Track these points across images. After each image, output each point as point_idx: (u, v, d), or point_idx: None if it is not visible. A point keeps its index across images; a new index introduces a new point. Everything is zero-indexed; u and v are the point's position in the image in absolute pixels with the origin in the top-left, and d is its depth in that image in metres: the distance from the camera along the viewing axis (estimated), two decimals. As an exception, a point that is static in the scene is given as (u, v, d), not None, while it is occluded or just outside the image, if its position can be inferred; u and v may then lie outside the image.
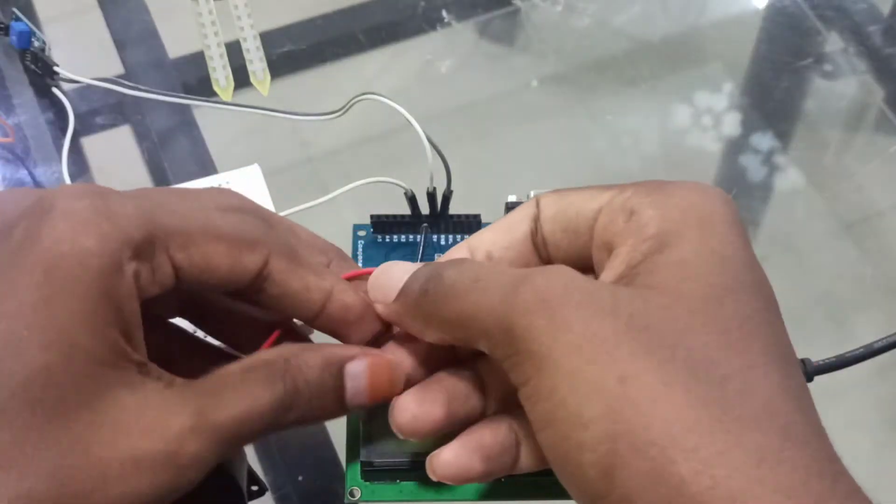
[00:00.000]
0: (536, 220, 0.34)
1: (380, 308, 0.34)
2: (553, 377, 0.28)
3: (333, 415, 0.33)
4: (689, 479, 0.25)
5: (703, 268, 0.29)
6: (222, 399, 0.30)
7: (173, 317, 0.36)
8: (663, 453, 0.26)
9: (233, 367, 0.31)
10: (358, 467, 0.37)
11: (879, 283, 0.61)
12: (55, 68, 0.62)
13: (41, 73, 0.63)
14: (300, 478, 0.54)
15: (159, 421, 0.28)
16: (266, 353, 0.32)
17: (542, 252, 0.35)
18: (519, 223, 0.34)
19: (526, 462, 0.33)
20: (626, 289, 0.29)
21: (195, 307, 0.36)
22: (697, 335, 0.28)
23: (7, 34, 0.63)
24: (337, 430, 0.54)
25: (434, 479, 0.33)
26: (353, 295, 0.34)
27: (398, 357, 0.34)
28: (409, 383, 0.34)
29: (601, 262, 0.33)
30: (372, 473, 0.37)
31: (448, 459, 0.33)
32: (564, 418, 0.28)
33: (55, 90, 0.63)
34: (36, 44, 0.63)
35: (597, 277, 0.33)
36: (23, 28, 0.62)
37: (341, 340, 0.35)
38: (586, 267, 0.34)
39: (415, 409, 0.33)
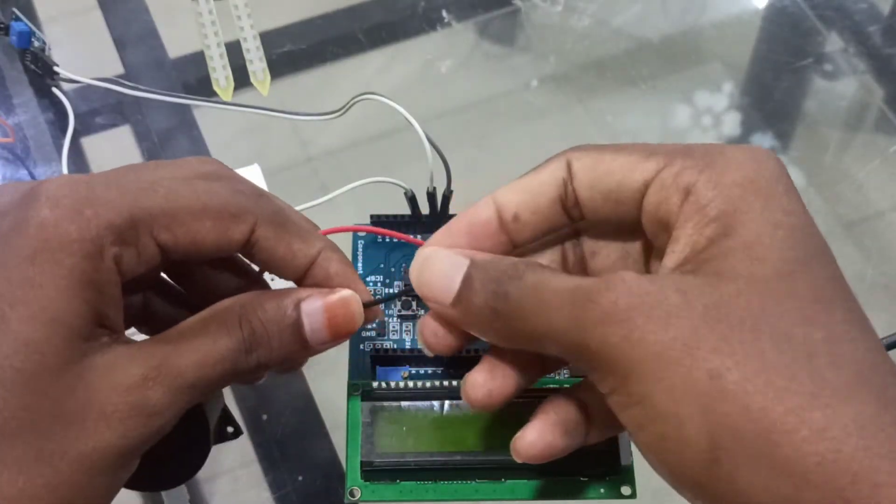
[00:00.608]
0: (568, 183, 0.32)
1: (434, 307, 0.33)
2: (640, 385, 0.28)
3: (298, 354, 0.33)
4: (797, 459, 0.26)
5: (770, 246, 0.29)
6: (181, 347, 0.31)
7: (155, 281, 0.37)
8: (766, 439, 0.26)
9: (192, 318, 0.32)
10: (358, 467, 0.37)
11: (879, 283, 0.61)
12: (55, 68, 0.62)
13: (41, 73, 0.63)
14: (300, 478, 0.54)
15: (123, 375, 0.30)
16: (223, 302, 0.32)
17: (573, 213, 0.33)
18: (547, 185, 0.33)
19: (594, 435, 0.33)
20: (696, 279, 0.29)
21: (176, 269, 0.36)
22: (775, 317, 0.28)
23: (7, 34, 0.63)
24: (337, 430, 0.54)
25: (519, 461, 0.33)
26: (338, 261, 0.34)
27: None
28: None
29: (657, 236, 0.32)
30: (372, 473, 0.37)
31: (533, 440, 0.33)
32: (660, 420, 0.28)
33: (55, 90, 0.63)
34: (36, 44, 0.63)
35: (651, 248, 0.33)
36: (23, 28, 0.62)
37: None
38: (629, 228, 0.33)
39: (489, 383, 0.33)
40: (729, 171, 0.30)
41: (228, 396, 0.51)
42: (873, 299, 0.60)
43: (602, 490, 0.37)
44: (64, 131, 0.61)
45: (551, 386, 0.38)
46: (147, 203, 0.30)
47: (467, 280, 0.31)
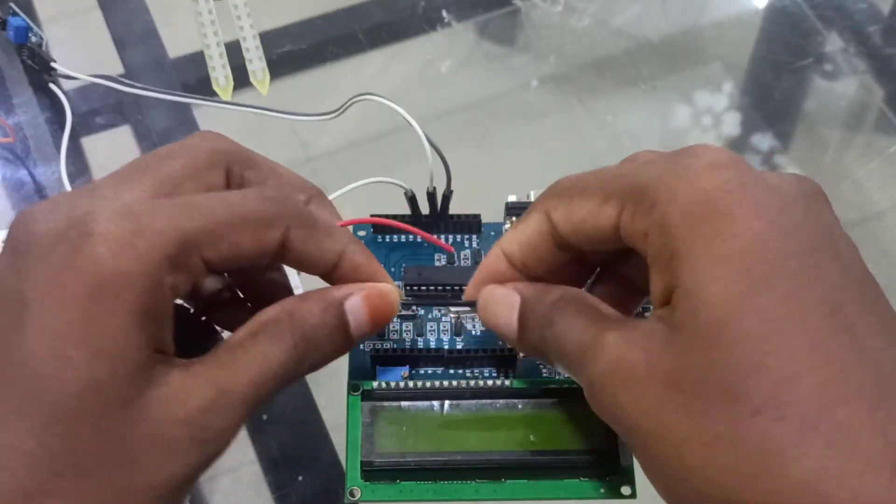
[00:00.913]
0: (555, 233, 0.34)
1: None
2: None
3: (344, 350, 0.35)
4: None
5: (711, 288, 0.28)
6: (236, 368, 0.31)
7: None
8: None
9: (240, 334, 0.32)
10: (358, 467, 0.37)
11: (879, 283, 0.61)
12: (52, 64, 0.62)
13: (38, 68, 0.63)
14: (300, 478, 0.54)
15: (184, 406, 0.30)
16: (268, 312, 0.33)
17: (575, 250, 0.34)
18: (537, 236, 0.35)
19: None
20: (662, 334, 0.29)
21: None
22: (721, 373, 0.27)
23: (4, 28, 0.63)
24: (337, 430, 0.54)
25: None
26: (362, 253, 0.35)
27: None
28: None
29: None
30: (372, 473, 0.37)
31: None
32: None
33: (53, 86, 0.63)
34: (33, 39, 0.63)
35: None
36: (20, 23, 0.62)
37: None
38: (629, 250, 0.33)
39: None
40: (676, 204, 0.29)
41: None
42: None
43: (602, 490, 0.37)
44: (63, 131, 0.61)
45: (552, 387, 0.38)
46: (191, 225, 0.30)
47: (521, 320, 0.34)
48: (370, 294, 0.35)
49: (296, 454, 0.55)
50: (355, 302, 0.34)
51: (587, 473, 0.37)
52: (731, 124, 0.67)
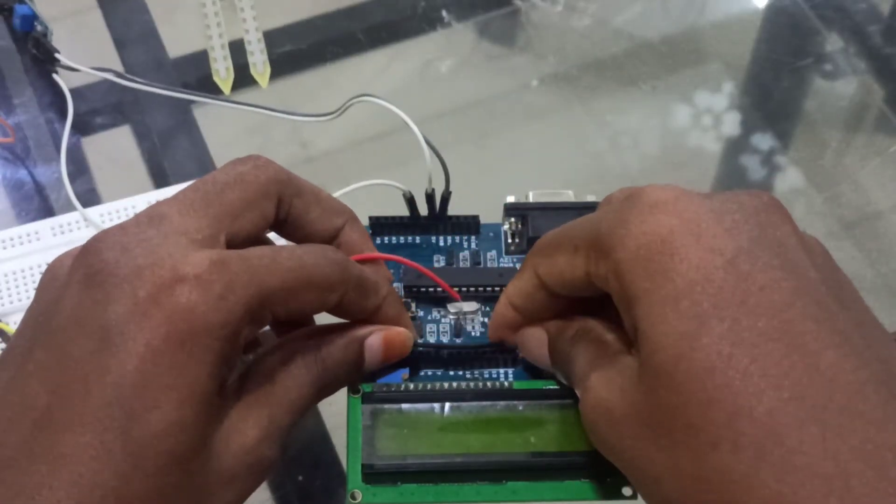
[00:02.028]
0: (545, 287, 0.36)
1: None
2: (632, 481, 0.32)
3: (352, 380, 0.38)
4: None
5: (660, 329, 0.29)
6: (279, 400, 0.34)
7: None
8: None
9: (276, 358, 0.35)
10: (359, 470, 0.37)
11: (879, 283, 0.61)
12: (56, 55, 0.62)
13: (42, 57, 0.63)
14: (300, 478, 0.54)
15: (242, 440, 0.32)
16: (297, 342, 0.36)
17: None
18: (533, 290, 0.37)
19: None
20: (635, 375, 0.30)
21: None
22: (673, 411, 0.28)
23: (11, 16, 0.63)
24: (337, 430, 0.54)
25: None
26: (394, 307, 0.38)
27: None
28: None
29: None
30: (373, 476, 0.37)
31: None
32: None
33: (55, 77, 0.63)
34: (38, 28, 0.63)
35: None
36: (26, 11, 0.63)
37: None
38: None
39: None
40: (623, 250, 0.30)
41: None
42: (874, 299, 0.59)
43: (603, 491, 0.37)
44: (64, 129, 0.61)
45: (551, 388, 0.38)
46: (272, 283, 0.32)
47: (550, 354, 0.37)
48: (388, 335, 0.38)
49: (296, 454, 0.55)
50: (374, 341, 0.37)
51: (588, 474, 0.37)
52: (731, 124, 0.67)
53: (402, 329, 0.38)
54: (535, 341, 0.38)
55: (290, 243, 0.38)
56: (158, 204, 0.33)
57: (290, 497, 0.54)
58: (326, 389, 0.36)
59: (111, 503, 0.28)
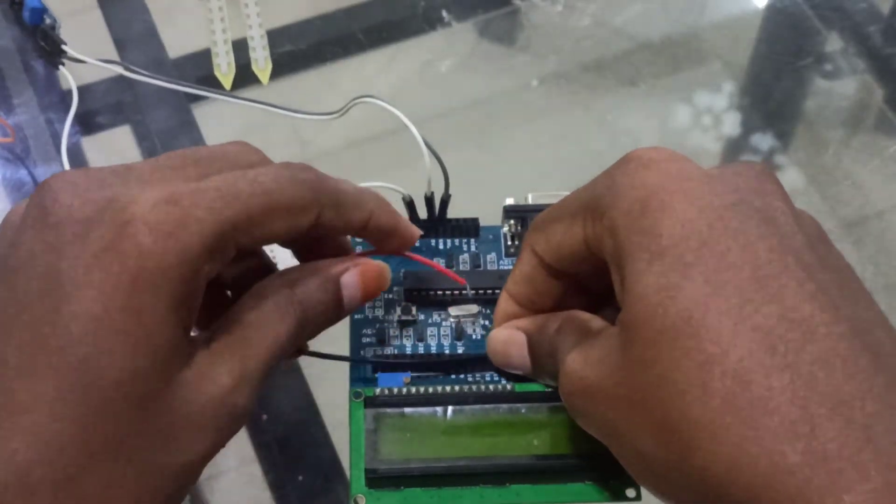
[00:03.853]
0: (543, 264, 0.36)
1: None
2: (613, 450, 0.32)
3: (334, 321, 0.36)
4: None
5: (645, 282, 0.29)
6: (251, 345, 0.33)
7: None
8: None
9: (247, 304, 0.34)
10: (362, 475, 0.37)
11: (880, 283, 0.61)
12: (63, 46, 0.62)
13: (50, 50, 0.63)
14: (300, 478, 0.54)
15: (213, 387, 0.31)
16: (273, 283, 0.34)
17: (568, 276, 0.36)
18: (533, 274, 0.36)
19: None
20: (618, 343, 0.30)
21: None
22: (666, 355, 0.28)
23: (21, 9, 0.64)
24: (337, 429, 0.54)
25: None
26: (386, 216, 0.37)
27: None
28: None
29: None
30: (376, 481, 0.37)
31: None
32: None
33: (62, 69, 0.63)
34: (47, 21, 0.63)
35: None
36: (36, 4, 0.63)
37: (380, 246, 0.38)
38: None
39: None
40: (618, 206, 0.30)
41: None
42: (874, 299, 0.60)
43: (606, 493, 0.37)
44: (64, 128, 0.61)
45: (553, 390, 0.38)
46: (230, 213, 0.31)
47: (532, 354, 0.36)
48: (364, 269, 0.37)
49: (296, 454, 0.55)
50: (351, 277, 0.36)
51: (591, 476, 0.37)
52: (731, 124, 0.68)
53: (378, 262, 0.37)
54: (513, 345, 0.37)
55: None
56: (133, 162, 0.32)
57: (290, 497, 0.54)
58: (304, 334, 0.35)
59: (70, 452, 0.28)
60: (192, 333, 0.32)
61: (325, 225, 0.34)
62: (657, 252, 0.29)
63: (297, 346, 0.35)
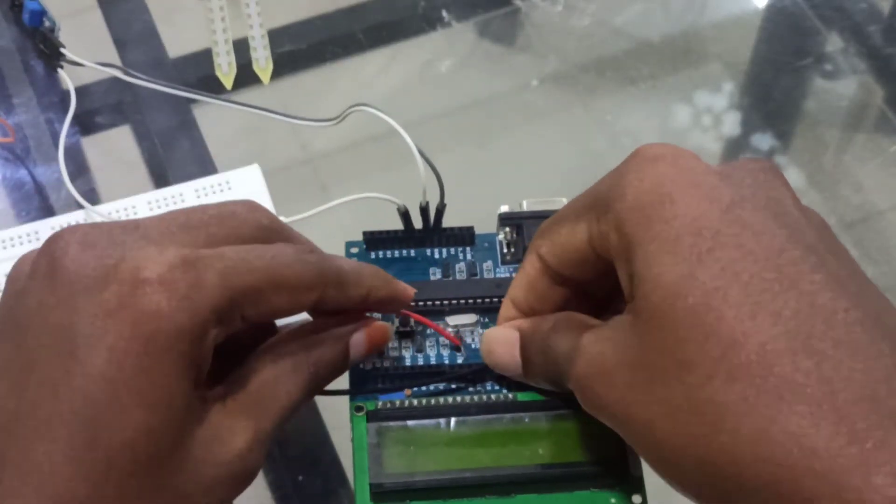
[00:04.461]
0: (547, 269, 0.36)
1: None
2: (625, 434, 0.33)
3: (340, 374, 0.38)
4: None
5: (656, 270, 0.29)
6: (266, 405, 0.34)
7: None
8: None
9: (263, 365, 0.34)
10: (367, 490, 0.37)
11: (880, 283, 0.61)
12: (61, 49, 0.62)
13: (48, 52, 0.63)
14: (300, 478, 0.54)
15: (226, 449, 0.32)
16: (287, 344, 0.35)
17: (571, 282, 0.37)
18: (537, 279, 0.37)
19: None
20: (628, 326, 0.31)
21: None
22: (659, 352, 0.29)
23: (21, 11, 0.64)
24: (337, 429, 0.54)
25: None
26: (385, 291, 0.38)
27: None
28: None
29: None
30: (381, 495, 0.37)
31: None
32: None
33: (60, 71, 0.63)
34: (47, 23, 0.63)
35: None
36: (35, 7, 0.63)
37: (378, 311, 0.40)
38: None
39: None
40: (625, 201, 0.31)
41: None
42: (880, 290, 0.59)
43: (613, 500, 0.37)
44: (63, 126, 0.61)
45: (559, 398, 0.38)
46: (240, 283, 0.31)
47: (523, 353, 0.37)
48: (370, 330, 0.38)
49: (296, 454, 0.55)
50: (358, 336, 0.37)
51: (597, 484, 0.37)
52: (731, 124, 0.67)
53: (382, 324, 0.38)
54: (505, 343, 0.38)
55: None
56: (138, 218, 0.33)
57: (290, 497, 0.54)
58: (315, 390, 0.36)
59: None
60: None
61: (328, 302, 0.35)
62: (670, 241, 0.29)
63: (308, 400, 0.37)
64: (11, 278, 0.33)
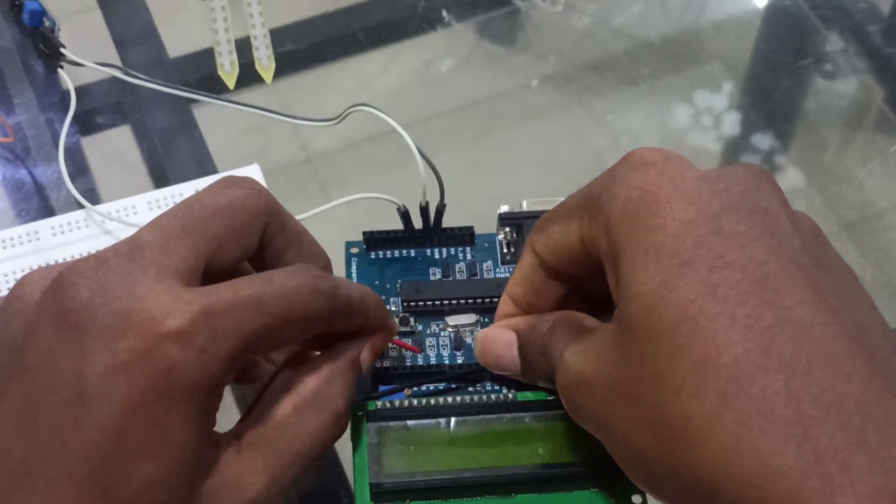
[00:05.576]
0: (542, 264, 0.36)
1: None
2: (608, 447, 0.33)
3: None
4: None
5: (640, 278, 0.29)
6: (285, 449, 0.33)
7: None
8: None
9: (285, 404, 0.34)
10: (367, 490, 0.37)
11: (880, 283, 0.61)
12: (61, 49, 0.62)
13: (48, 52, 0.63)
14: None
15: (237, 495, 0.31)
16: (311, 383, 0.35)
17: (566, 278, 0.37)
18: (532, 274, 0.37)
19: None
20: (612, 338, 0.31)
21: None
22: (661, 353, 0.28)
23: (21, 11, 0.64)
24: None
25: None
26: (380, 317, 0.38)
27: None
28: None
29: None
30: (381, 495, 0.37)
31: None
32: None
33: (60, 71, 0.63)
34: (47, 23, 0.63)
35: None
36: (35, 7, 0.63)
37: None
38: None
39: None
40: (614, 205, 0.31)
41: (228, 396, 0.51)
42: (873, 299, 0.59)
43: (612, 501, 0.37)
44: (63, 126, 0.61)
45: (556, 398, 0.38)
46: (255, 327, 0.31)
47: (522, 354, 0.37)
48: (374, 344, 0.38)
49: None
50: (365, 353, 0.37)
51: (597, 484, 0.37)
52: (731, 124, 0.67)
53: (382, 335, 0.38)
54: (502, 344, 0.38)
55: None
56: (139, 231, 0.32)
57: (290, 497, 0.54)
58: (342, 429, 0.36)
59: None
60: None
61: (333, 330, 0.35)
62: (653, 251, 0.29)
63: (335, 441, 0.36)
64: (13, 305, 0.32)
